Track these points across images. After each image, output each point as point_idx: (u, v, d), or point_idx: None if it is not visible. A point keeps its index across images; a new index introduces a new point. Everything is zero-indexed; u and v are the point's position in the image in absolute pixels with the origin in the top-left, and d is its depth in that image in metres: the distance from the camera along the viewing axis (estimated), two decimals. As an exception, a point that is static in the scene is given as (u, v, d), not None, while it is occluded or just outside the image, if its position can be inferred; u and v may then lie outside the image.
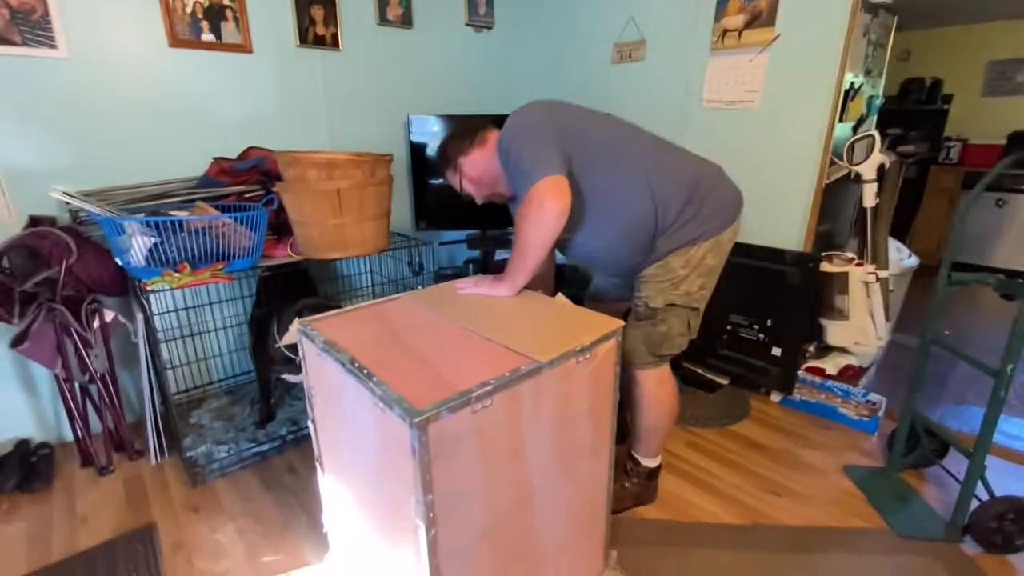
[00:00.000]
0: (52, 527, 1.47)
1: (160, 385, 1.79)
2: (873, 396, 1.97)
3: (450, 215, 2.53)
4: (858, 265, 2.00)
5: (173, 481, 1.67)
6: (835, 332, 2.10)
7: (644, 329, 1.32)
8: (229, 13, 1.91)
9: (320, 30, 2.14)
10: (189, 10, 1.83)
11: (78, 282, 1.63)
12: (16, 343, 1.54)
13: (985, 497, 1.37)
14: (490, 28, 2.71)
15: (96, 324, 1.69)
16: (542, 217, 1.14)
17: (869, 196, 1.99)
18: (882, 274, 2.01)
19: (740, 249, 2.09)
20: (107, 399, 1.75)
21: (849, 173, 2.06)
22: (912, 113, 4.35)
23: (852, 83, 2.02)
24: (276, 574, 1.28)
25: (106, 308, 1.72)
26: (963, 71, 4.34)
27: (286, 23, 2.06)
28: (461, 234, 2.67)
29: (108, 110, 1.77)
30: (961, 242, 4.04)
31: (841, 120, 1.99)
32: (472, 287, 1.31)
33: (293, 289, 1.97)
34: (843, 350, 2.16)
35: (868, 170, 1.95)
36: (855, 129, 2.21)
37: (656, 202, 1.27)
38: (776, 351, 2.04)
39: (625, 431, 1.53)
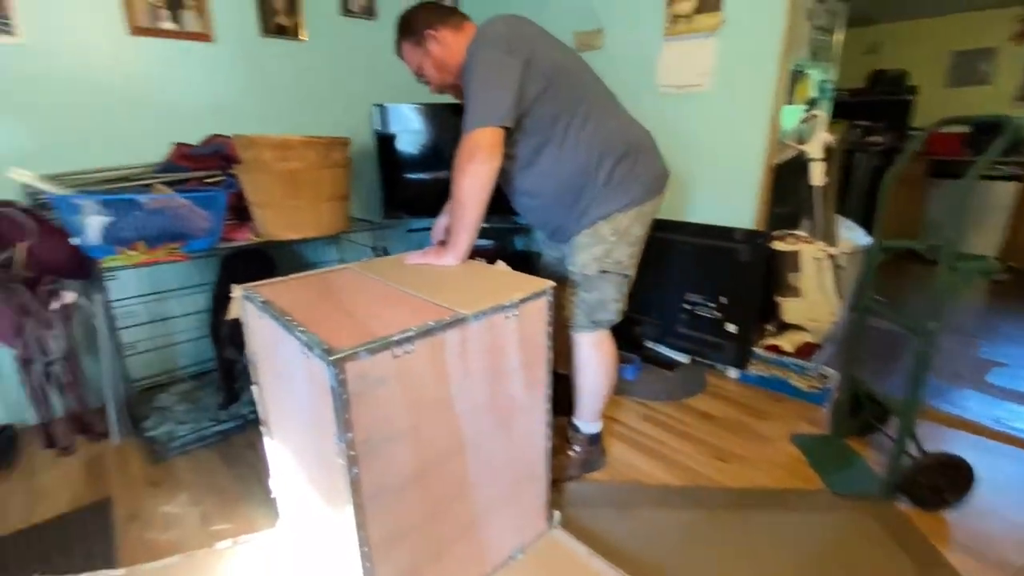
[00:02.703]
0: (9, 503, 1.49)
1: (122, 368, 1.80)
2: (825, 369, 2.03)
3: (420, 203, 2.56)
4: (808, 243, 2.06)
5: (134, 459, 1.69)
6: (789, 309, 2.16)
7: (580, 295, 1.37)
8: (190, 1, 1.95)
9: (282, 20, 2.18)
10: (149, -2, 1.86)
11: (37, 263, 1.65)
12: (-27, 323, 1.56)
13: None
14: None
15: (56, 305, 1.71)
16: (474, 168, 1.17)
17: (817, 175, 2.06)
18: (832, 251, 2.07)
19: (692, 229, 2.16)
20: (69, 381, 1.77)
21: (800, 154, 2.12)
22: (880, 104, 4.46)
23: (798, 65, 2.09)
24: (225, 539, 1.31)
25: (68, 291, 1.74)
26: (928, 63, 4.46)
27: (248, 12, 2.09)
28: (430, 222, 2.69)
29: (69, 96, 1.79)
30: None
31: (790, 102, 2.05)
32: (420, 257, 1.35)
33: (255, 272, 1.99)
34: (799, 327, 2.22)
35: (814, 149, 2.02)
36: (806, 111, 2.28)
37: (596, 154, 1.29)
38: (731, 327, 2.10)
39: (570, 404, 1.57)
